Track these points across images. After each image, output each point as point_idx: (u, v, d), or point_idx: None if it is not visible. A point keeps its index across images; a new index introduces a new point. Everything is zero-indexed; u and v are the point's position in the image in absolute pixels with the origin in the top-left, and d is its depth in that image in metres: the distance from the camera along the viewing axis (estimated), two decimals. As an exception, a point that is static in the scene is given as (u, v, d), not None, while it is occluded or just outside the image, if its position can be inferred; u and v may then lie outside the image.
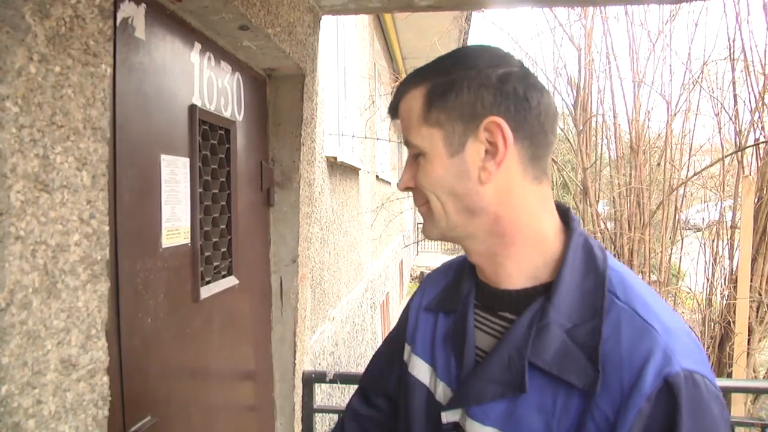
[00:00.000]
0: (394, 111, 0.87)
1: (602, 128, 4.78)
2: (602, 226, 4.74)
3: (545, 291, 0.80)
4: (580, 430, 0.71)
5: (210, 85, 1.66)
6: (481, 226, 0.82)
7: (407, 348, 1.03)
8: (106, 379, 1.04)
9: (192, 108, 1.54)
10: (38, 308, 0.88)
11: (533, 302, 0.80)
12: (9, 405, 0.82)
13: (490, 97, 0.77)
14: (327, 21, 3.54)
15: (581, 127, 4.43)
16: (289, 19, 1.95)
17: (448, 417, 0.86)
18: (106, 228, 1.04)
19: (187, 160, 1.50)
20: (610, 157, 4.94)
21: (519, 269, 0.83)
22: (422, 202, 0.86)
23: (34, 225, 0.87)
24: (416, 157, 0.84)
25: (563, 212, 0.87)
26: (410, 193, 0.91)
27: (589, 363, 0.72)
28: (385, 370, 1.12)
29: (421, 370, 0.96)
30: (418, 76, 0.83)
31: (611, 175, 4.81)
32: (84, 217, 0.98)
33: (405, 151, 0.94)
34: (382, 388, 1.14)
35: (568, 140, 5.40)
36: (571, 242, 0.81)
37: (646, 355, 0.69)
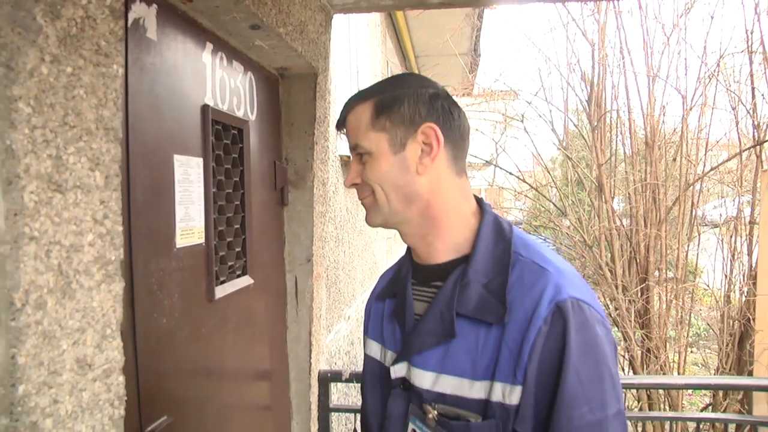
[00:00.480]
0: (341, 124, 1.07)
1: (617, 124, 4.73)
2: (618, 222, 4.70)
3: (465, 260, 0.99)
4: (497, 356, 0.90)
5: (222, 85, 1.67)
6: (416, 211, 1.01)
7: (365, 338, 1.20)
8: (121, 378, 1.04)
9: (205, 108, 1.54)
10: (53, 308, 0.88)
11: (456, 269, 0.99)
12: (26, 404, 0.82)
13: (424, 109, 0.99)
14: (339, 20, 3.54)
15: (596, 123, 4.38)
16: (301, 18, 1.95)
17: (395, 372, 1.03)
18: (120, 228, 1.04)
19: (200, 160, 1.50)
20: (624, 153, 4.88)
21: (445, 246, 1.02)
22: (367, 195, 1.03)
23: (48, 225, 0.87)
24: (361, 157, 1.02)
25: (478, 200, 1.07)
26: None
27: (500, 304, 0.92)
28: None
29: (373, 348, 1.14)
30: (364, 95, 1.04)
31: (626, 172, 4.75)
32: (97, 218, 0.98)
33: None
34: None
35: (582, 137, 5.34)
36: (484, 220, 1.02)
37: (542, 288, 0.90)
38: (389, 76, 1.13)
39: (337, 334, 3.10)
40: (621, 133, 4.73)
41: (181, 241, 1.41)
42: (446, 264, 1.02)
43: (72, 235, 0.92)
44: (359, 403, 1.23)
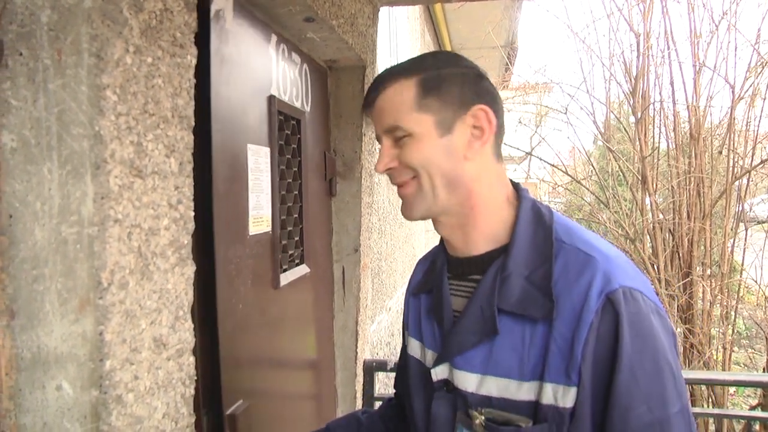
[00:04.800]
0: (371, 105, 0.98)
1: (661, 116, 4.63)
2: (661, 216, 4.62)
3: (504, 251, 0.93)
4: (546, 355, 0.84)
5: (284, 76, 1.71)
6: (457, 200, 0.94)
7: (405, 334, 1.16)
8: (192, 359, 1.08)
9: (271, 98, 1.58)
10: (134, 288, 0.92)
11: (496, 261, 0.93)
12: (113, 379, 0.86)
13: (474, 90, 0.94)
14: (381, 13, 3.55)
15: (639, 115, 4.30)
16: (351, 10, 1.97)
17: (437, 374, 0.98)
18: (192, 213, 1.08)
19: (268, 150, 1.54)
20: (668, 146, 4.78)
21: (483, 236, 0.96)
22: (406, 180, 0.95)
23: (130, 209, 0.91)
24: (398, 141, 0.94)
25: (515, 185, 1.01)
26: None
27: (546, 297, 0.86)
28: (401, 363, 1.21)
29: (414, 347, 1.09)
30: (403, 71, 0.95)
31: (669, 165, 4.66)
32: (172, 203, 1.02)
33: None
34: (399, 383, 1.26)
35: (624, 130, 5.26)
36: (521, 207, 0.95)
37: (590, 278, 0.83)
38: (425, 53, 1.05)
39: (379, 325, 3.14)
40: (665, 126, 4.64)
41: (253, 228, 1.45)
42: (484, 255, 0.96)
43: (150, 219, 0.96)
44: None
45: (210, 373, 1.27)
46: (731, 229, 4.42)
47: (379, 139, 0.98)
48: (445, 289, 1.01)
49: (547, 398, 0.84)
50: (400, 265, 3.76)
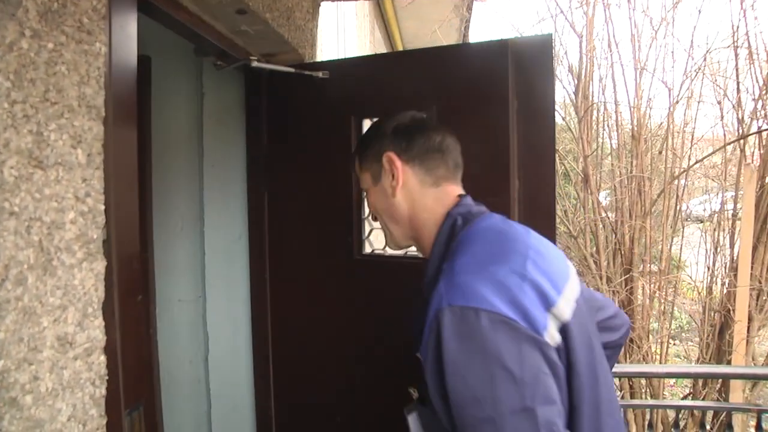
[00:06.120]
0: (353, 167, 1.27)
1: (604, 116, 4.75)
2: (603, 215, 4.73)
3: None
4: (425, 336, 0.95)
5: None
6: (404, 228, 1.19)
7: None
8: (103, 358, 1.04)
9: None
10: (34, 285, 0.88)
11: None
12: (6, 380, 0.82)
13: (385, 142, 1.18)
14: (327, 8, 3.52)
15: (582, 115, 4.40)
16: (288, 4, 1.94)
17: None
18: (102, 207, 1.04)
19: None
20: (611, 145, 4.90)
21: (429, 247, 1.15)
22: (381, 224, 1.25)
23: (29, 201, 0.87)
24: (366, 193, 1.25)
25: (460, 200, 1.17)
26: None
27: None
28: None
29: None
30: (356, 151, 1.27)
31: (612, 164, 4.78)
32: (79, 195, 0.98)
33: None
34: None
35: (570, 129, 5.36)
36: (443, 225, 1.13)
37: (436, 297, 0.95)
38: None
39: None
40: (608, 126, 4.76)
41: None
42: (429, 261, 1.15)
43: (53, 212, 0.92)
44: None
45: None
46: (670, 227, 4.57)
47: None
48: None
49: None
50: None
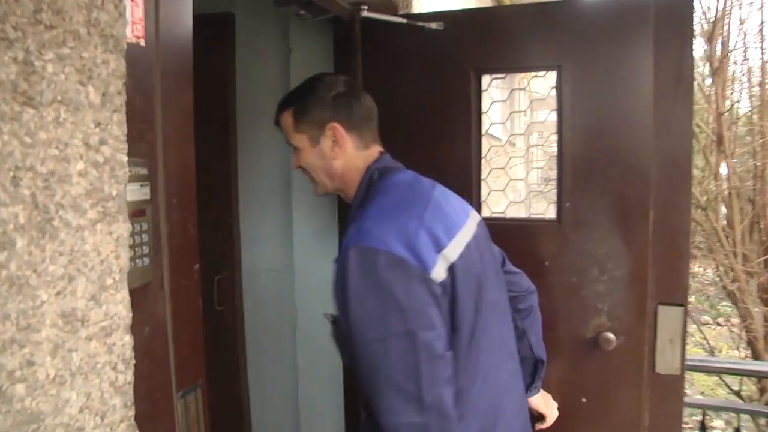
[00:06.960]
0: (277, 124, 1.41)
1: (742, 67, 4.12)
2: (738, 182, 4.15)
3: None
4: (336, 268, 1.15)
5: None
6: (335, 182, 1.37)
7: None
8: (128, 338, 0.88)
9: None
10: (24, 249, 0.71)
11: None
12: (-19, 366, 0.66)
13: (329, 112, 1.32)
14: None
15: (717, 65, 3.81)
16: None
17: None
18: (125, 158, 0.87)
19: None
20: (751, 102, 4.26)
21: (352, 196, 1.35)
22: (308, 174, 1.41)
23: (15, 146, 0.70)
24: (295, 149, 1.39)
25: (381, 158, 1.37)
26: None
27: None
28: None
29: None
30: (285, 102, 1.38)
31: (753, 124, 4.15)
32: (91, 142, 0.80)
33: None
34: None
35: (698, 86, 4.74)
36: (363, 178, 1.33)
37: (346, 236, 1.16)
38: (308, 78, 1.43)
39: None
40: (748, 79, 4.12)
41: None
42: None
43: (52, 161, 0.75)
44: None
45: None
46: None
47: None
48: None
49: None
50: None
